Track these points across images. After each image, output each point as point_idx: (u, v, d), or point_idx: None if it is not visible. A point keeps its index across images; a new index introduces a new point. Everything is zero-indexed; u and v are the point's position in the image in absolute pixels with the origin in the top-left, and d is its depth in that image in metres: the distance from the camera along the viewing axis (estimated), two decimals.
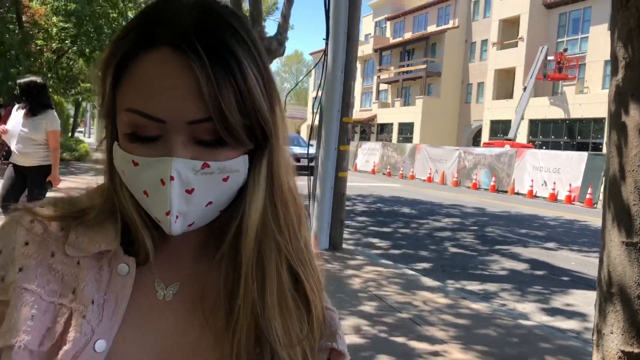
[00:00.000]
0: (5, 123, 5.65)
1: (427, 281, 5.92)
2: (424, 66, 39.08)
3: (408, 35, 42.80)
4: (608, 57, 4.46)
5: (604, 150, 3.70)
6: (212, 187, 0.63)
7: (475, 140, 36.30)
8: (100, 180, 0.71)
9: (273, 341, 0.65)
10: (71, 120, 36.15)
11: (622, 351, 2.45)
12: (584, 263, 7.73)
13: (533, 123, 31.25)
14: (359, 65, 45.29)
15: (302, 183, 8.66)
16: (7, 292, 0.63)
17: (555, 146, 28.60)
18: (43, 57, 20.92)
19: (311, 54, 55.69)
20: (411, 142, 33.90)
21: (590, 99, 27.69)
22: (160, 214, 0.62)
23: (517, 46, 32.89)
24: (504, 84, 34.03)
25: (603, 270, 2.60)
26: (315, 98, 7.15)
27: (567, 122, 29.64)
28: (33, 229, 0.66)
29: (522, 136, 29.99)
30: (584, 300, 5.79)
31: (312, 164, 7.15)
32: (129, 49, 0.61)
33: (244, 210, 0.66)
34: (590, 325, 4.18)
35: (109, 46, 0.64)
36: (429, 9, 41.66)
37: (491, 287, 6.28)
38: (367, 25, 48.35)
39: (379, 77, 44.90)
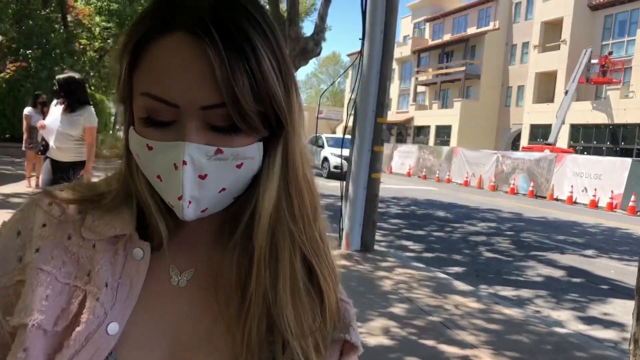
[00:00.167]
0: None
1: (460, 285, 5.84)
2: (463, 68, 38.59)
3: (447, 37, 42.33)
4: None
5: None
6: (225, 173, 0.63)
7: (514, 145, 35.64)
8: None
9: (285, 331, 0.65)
10: (112, 118, 37.05)
11: None
12: (624, 272, 7.49)
13: (574, 128, 30.48)
14: (396, 67, 45.07)
15: (335, 184, 8.66)
16: (24, 272, 0.64)
17: (598, 152, 27.83)
18: (86, 56, 21.48)
19: (349, 55, 55.64)
20: (448, 145, 33.51)
21: (636, 104, 26.86)
22: (172, 199, 0.62)
23: (559, 49, 32.14)
24: (545, 87, 33.29)
25: None
26: (350, 99, 7.12)
27: (611, 127, 28.79)
28: (51, 211, 0.67)
29: (562, 141, 29.28)
30: (623, 310, 5.61)
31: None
32: (145, 34, 0.61)
33: (257, 198, 0.66)
34: (629, 335, 4.05)
35: (126, 31, 0.64)
36: (469, 11, 41.13)
37: (525, 293, 6.15)
38: (405, 26, 48.04)
39: (416, 79, 44.52)
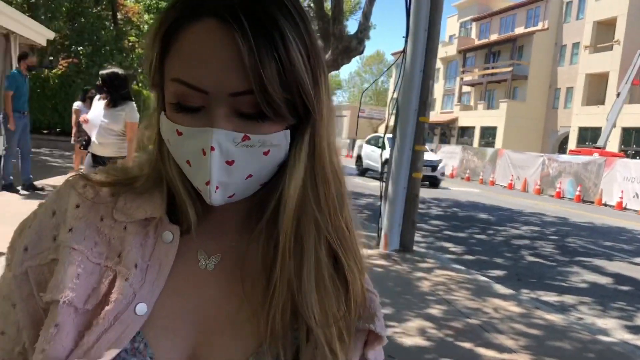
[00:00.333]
0: None
1: (500, 288, 5.72)
2: (509, 69, 37.84)
3: (494, 37, 41.58)
4: None
5: None
6: (252, 159, 0.63)
7: (562, 148, 34.71)
8: None
9: (308, 318, 0.65)
10: None
11: None
12: None
13: (626, 131, 29.48)
14: (441, 66, 44.55)
15: (375, 184, 8.57)
16: (58, 251, 0.66)
17: None
18: (134, 53, 22.01)
19: (393, 54, 55.24)
20: (493, 146, 32.89)
21: None
22: (201, 184, 0.63)
23: (612, 49, 31.13)
24: (596, 89, 32.31)
25: None
26: (392, 98, 7.06)
27: None
28: (85, 193, 0.69)
29: (613, 144, 28.34)
30: None
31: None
32: (175, 20, 0.62)
33: (283, 186, 0.66)
34: None
35: (158, 17, 0.66)
36: (517, 10, 40.30)
37: (569, 299, 5.98)
38: (451, 26, 47.43)
39: (462, 78, 43.90)
